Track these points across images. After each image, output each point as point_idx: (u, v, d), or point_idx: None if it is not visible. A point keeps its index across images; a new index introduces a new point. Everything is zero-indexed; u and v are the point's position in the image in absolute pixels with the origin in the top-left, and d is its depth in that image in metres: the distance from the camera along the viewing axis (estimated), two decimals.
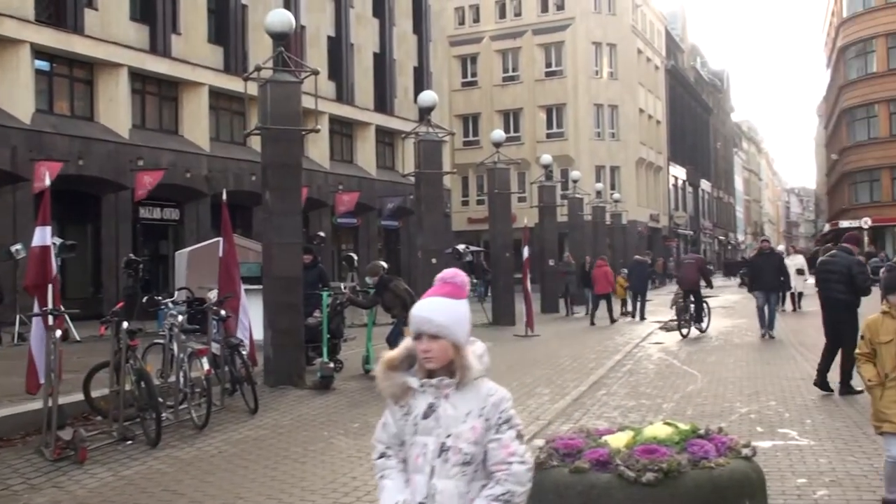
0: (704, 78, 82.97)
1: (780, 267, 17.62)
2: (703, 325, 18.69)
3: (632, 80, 54.39)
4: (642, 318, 23.40)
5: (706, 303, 19.09)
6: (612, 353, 15.23)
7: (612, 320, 22.74)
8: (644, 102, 57.14)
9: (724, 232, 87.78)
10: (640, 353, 15.59)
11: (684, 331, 18.01)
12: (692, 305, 18.36)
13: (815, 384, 10.28)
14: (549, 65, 53.41)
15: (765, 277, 16.87)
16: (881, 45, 54.22)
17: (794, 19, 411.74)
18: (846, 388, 9.97)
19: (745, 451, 4.09)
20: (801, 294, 24.77)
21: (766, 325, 16.83)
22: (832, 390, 10.09)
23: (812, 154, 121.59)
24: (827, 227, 70.35)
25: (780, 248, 31.90)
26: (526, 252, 20.38)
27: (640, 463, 3.80)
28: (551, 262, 27.29)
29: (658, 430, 4.16)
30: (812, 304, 24.20)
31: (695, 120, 73.96)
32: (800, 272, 24.40)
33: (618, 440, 4.12)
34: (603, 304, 23.01)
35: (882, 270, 11.09)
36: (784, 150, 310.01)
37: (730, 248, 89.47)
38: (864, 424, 8.32)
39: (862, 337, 5.84)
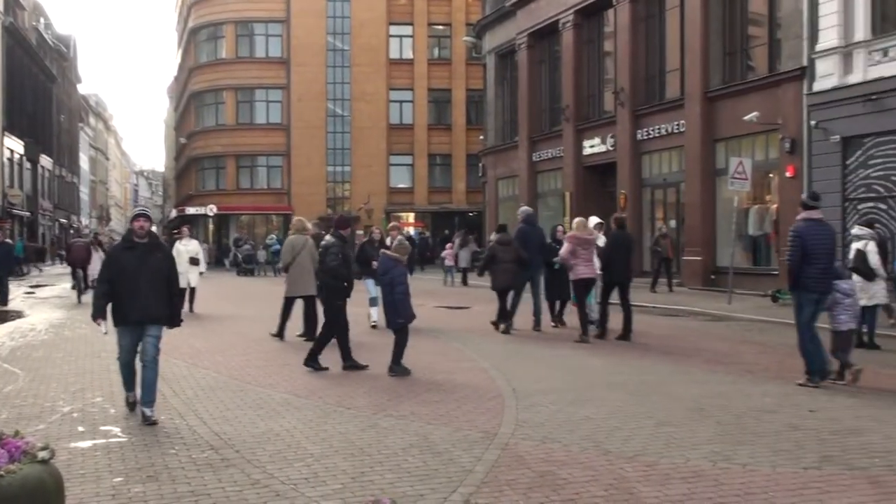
0: (49, 42, 79.87)
1: (170, 267, 9.18)
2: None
3: None
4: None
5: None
6: None
7: None
8: None
9: (66, 214, 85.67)
10: None
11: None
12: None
13: (345, 367, 11.69)
14: None
15: (141, 285, 8.69)
16: (230, 32, 57.87)
17: None
18: (311, 363, 11.64)
19: (43, 455, 4.06)
20: (193, 289, 20.40)
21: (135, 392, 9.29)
22: (326, 368, 11.56)
23: (162, 136, 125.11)
24: (174, 213, 72.99)
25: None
26: None
27: None
28: None
29: None
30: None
31: (36, 88, 70.83)
32: (194, 261, 20.32)
33: None
34: None
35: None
36: (134, 130, 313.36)
37: (72, 232, 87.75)
38: (185, 415, 8.82)
39: None
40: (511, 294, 16.32)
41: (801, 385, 10.38)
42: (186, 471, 6.81)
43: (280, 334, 15.21)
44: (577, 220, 16.11)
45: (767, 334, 16.16)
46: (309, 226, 15.95)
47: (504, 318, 16.15)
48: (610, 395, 9.86)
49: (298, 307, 15.24)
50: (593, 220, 17.02)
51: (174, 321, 9.06)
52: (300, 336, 15.03)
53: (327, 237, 12.51)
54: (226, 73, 57.54)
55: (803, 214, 10.85)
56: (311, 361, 11.70)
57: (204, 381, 10.94)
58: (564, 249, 15.16)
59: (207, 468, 6.87)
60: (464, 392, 10.04)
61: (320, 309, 12.98)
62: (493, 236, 17.35)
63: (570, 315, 16.44)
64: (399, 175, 58.38)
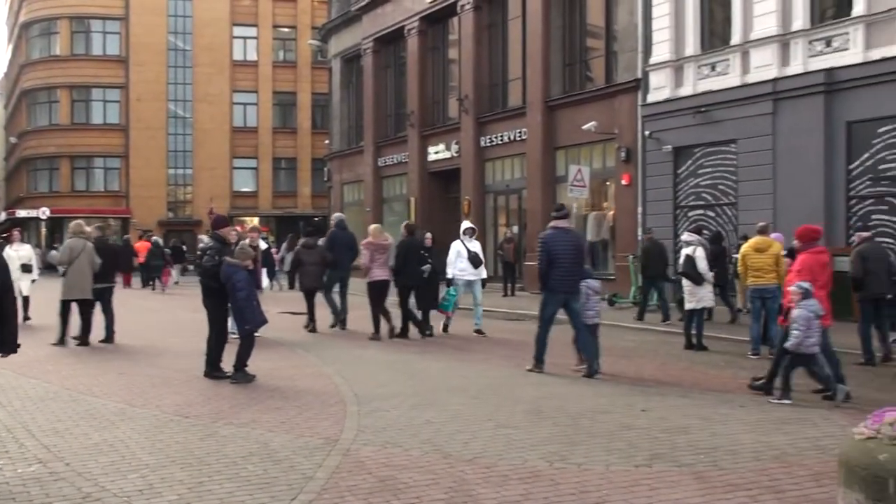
0: None
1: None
2: None
3: None
4: None
5: None
6: None
7: None
8: None
9: None
10: None
11: None
12: None
13: (206, 375, 11.34)
14: None
15: None
16: (65, 28, 55.64)
17: None
18: (214, 371, 11.32)
19: None
20: (27, 298, 18.71)
21: None
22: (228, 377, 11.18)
23: None
24: (4, 216, 69.60)
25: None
26: None
27: None
28: None
29: None
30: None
31: None
32: (26, 268, 18.84)
33: None
34: None
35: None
36: None
37: None
38: (11, 428, 8.43)
39: None
40: (332, 293, 17.20)
41: (529, 370, 11.89)
42: (11, 486, 6.49)
43: (61, 340, 14.83)
44: (372, 227, 16.94)
45: (603, 338, 16.62)
46: (87, 229, 15.72)
47: (312, 318, 16.98)
48: (451, 398, 9.97)
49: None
50: (465, 225, 17.57)
51: (7, 346, 6.70)
52: (74, 339, 14.85)
53: (205, 238, 12.31)
54: (60, 71, 55.25)
55: (551, 224, 11.91)
56: (213, 371, 11.39)
57: (33, 392, 10.46)
58: (363, 255, 15.80)
59: (34, 483, 6.56)
60: (306, 398, 9.95)
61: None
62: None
63: (435, 319, 16.66)
64: (243, 178, 57.41)
